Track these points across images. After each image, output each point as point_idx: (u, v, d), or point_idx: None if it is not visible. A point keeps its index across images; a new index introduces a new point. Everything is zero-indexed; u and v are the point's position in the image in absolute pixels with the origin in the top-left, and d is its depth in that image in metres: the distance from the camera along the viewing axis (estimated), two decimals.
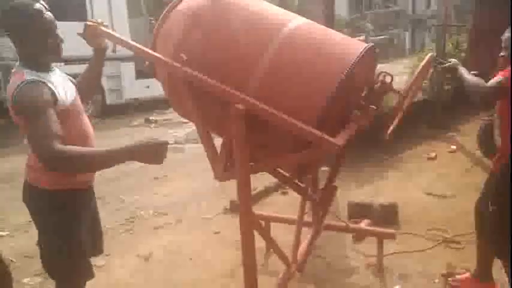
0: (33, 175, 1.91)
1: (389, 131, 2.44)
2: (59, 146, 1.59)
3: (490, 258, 2.68)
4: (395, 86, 2.29)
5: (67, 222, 1.94)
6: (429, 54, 2.47)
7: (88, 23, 2.20)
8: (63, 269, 1.99)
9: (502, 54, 2.50)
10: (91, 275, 2.09)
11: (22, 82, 1.72)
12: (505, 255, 2.47)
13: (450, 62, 2.60)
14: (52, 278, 2.06)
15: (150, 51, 2.19)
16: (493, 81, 2.29)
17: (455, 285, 2.81)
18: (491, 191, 2.54)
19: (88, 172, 1.91)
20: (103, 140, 8.26)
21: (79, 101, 2.01)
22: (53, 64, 1.98)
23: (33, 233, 3.58)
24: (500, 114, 2.48)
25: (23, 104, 1.70)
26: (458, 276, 2.85)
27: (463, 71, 2.50)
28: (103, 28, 2.23)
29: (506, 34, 2.45)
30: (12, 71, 1.84)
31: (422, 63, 2.32)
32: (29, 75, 1.76)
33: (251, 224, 2.11)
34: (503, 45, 2.48)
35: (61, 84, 1.89)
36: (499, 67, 2.48)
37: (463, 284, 2.79)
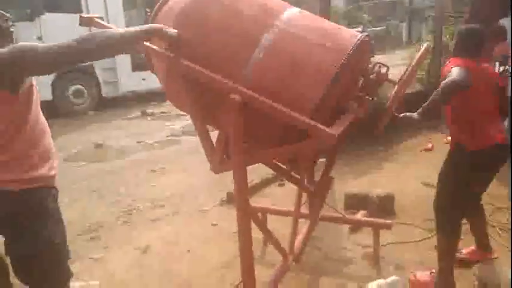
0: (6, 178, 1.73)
1: (382, 123, 2.43)
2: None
3: (481, 230, 2.92)
4: (392, 77, 2.29)
5: (54, 223, 1.85)
6: (426, 44, 2.46)
7: (82, 14, 2.20)
8: (58, 273, 1.88)
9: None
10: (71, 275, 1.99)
11: None
12: (444, 231, 2.63)
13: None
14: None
15: (146, 43, 2.17)
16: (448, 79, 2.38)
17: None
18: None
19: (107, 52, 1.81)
20: (98, 132, 8.29)
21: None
22: None
23: None
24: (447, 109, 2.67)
25: (5, 60, 1.59)
26: (463, 251, 2.97)
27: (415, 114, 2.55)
28: (98, 20, 2.22)
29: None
30: None
31: (419, 54, 2.31)
32: None
33: (248, 216, 2.11)
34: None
35: None
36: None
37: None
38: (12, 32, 1.83)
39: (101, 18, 2.28)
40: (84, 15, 2.22)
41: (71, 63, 1.72)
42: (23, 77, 1.68)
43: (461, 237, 2.71)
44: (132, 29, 1.80)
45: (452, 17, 9.20)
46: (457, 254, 2.96)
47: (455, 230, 2.61)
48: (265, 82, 1.97)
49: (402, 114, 2.56)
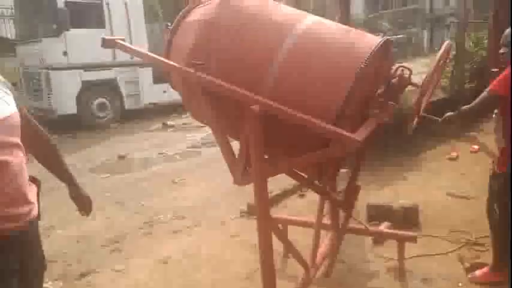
0: None
1: (412, 126, 2.38)
2: None
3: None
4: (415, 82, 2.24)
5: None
6: (446, 42, 2.41)
7: (105, 36, 2.24)
8: None
9: (501, 51, 2.48)
10: None
11: None
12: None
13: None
14: None
15: (164, 60, 2.20)
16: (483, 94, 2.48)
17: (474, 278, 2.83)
18: (497, 192, 2.55)
19: None
20: (121, 144, 8.43)
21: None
22: None
23: (54, 237, 3.65)
24: (502, 115, 2.51)
25: None
26: (477, 272, 2.85)
27: (460, 111, 2.62)
28: (120, 42, 2.26)
29: (507, 30, 2.41)
30: None
31: (440, 52, 2.26)
32: None
33: (269, 227, 2.09)
34: (501, 42, 2.45)
35: None
36: (501, 65, 2.47)
37: (482, 277, 2.81)
38: None
39: (123, 39, 2.32)
40: (107, 37, 2.25)
41: None
42: None
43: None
44: None
45: (474, 23, 9.03)
46: (469, 276, 2.87)
47: None
48: (285, 92, 1.96)
49: (444, 116, 2.67)
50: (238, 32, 2.09)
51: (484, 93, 2.48)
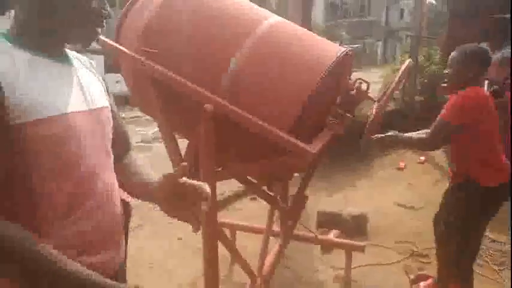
0: None
1: (364, 140, 2.34)
2: None
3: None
4: (371, 95, 2.20)
5: None
6: (408, 61, 2.39)
7: None
8: None
9: (445, 71, 2.44)
10: None
11: None
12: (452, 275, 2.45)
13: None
14: None
15: (112, 43, 2.00)
16: (438, 126, 2.27)
17: None
18: (444, 209, 2.51)
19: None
20: None
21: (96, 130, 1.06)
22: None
23: None
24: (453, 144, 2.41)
25: None
26: (421, 284, 2.83)
27: (394, 134, 2.46)
28: None
29: (453, 53, 2.39)
30: None
31: (401, 70, 2.24)
32: None
33: (214, 235, 1.96)
34: (448, 62, 2.41)
35: (49, 80, 0.97)
36: (448, 87, 2.42)
37: None
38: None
39: None
40: None
41: None
42: None
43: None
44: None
45: (426, 38, 9.40)
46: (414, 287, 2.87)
47: (471, 275, 2.43)
48: (241, 94, 1.83)
49: (381, 135, 2.41)
50: (198, 23, 1.93)
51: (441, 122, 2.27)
